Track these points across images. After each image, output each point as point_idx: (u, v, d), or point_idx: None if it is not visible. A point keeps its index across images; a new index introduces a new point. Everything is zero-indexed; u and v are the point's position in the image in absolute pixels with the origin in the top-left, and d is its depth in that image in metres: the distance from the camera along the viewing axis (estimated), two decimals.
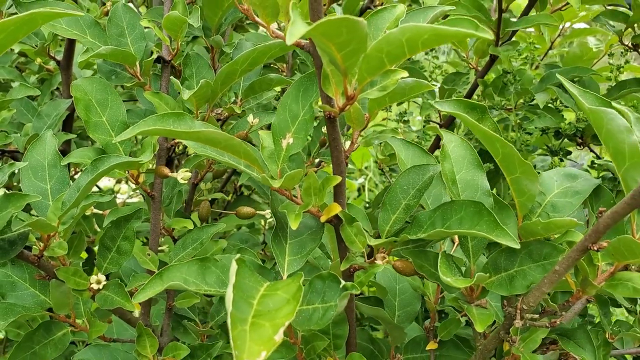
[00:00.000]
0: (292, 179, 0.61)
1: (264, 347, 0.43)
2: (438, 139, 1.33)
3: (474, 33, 0.46)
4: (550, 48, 1.65)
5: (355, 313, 1.11)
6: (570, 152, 1.16)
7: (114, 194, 1.47)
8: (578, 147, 1.19)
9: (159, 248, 0.93)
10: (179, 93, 0.78)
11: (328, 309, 0.60)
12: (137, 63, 0.82)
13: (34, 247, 0.70)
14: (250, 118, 0.86)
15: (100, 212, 0.95)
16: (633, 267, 0.64)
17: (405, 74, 0.57)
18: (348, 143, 0.71)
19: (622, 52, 1.35)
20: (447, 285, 0.56)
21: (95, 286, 0.69)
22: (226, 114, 0.94)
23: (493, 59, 1.19)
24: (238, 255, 0.51)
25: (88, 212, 0.90)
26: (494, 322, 0.69)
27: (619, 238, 0.59)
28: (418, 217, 0.65)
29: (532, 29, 1.79)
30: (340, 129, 0.66)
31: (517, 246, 0.55)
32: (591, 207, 0.70)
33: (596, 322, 0.92)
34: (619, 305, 1.20)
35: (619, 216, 0.52)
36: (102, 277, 0.70)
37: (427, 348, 0.76)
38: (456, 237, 0.73)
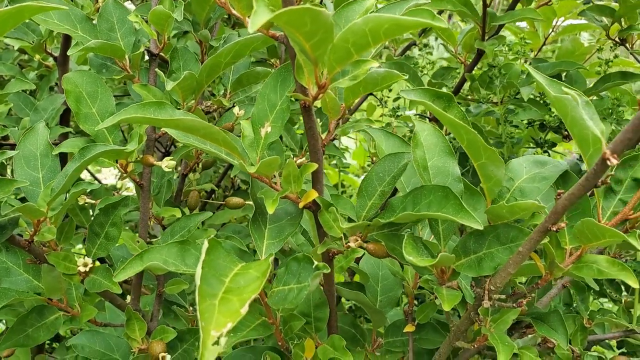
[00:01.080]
0: (268, 165, 0.64)
1: (230, 319, 0.45)
2: None
3: (430, 23, 0.48)
4: (544, 44, 1.67)
5: (351, 305, 1.14)
6: (555, 144, 1.18)
7: (115, 190, 1.50)
8: (564, 140, 1.21)
9: (153, 239, 0.96)
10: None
11: (302, 289, 0.62)
12: (127, 56, 0.85)
13: (25, 232, 0.73)
14: (236, 110, 0.89)
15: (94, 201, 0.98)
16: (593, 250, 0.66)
17: (376, 64, 0.59)
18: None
19: (611, 47, 1.37)
20: (412, 264, 0.58)
21: (82, 269, 0.72)
22: (215, 106, 0.96)
23: (480, 53, 1.21)
24: (212, 237, 0.54)
25: (81, 202, 0.93)
26: (466, 303, 0.72)
27: (582, 221, 0.61)
28: (391, 202, 0.68)
29: (526, 25, 1.81)
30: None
31: (481, 227, 0.58)
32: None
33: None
34: (604, 295, 1.23)
35: (575, 197, 0.54)
36: (89, 261, 0.73)
37: (405, 331, 0.78)
38: None
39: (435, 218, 0.66)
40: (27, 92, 1.36)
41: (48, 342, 1.49)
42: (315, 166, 0.67)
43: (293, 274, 0.65)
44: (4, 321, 1.49)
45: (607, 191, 0.68)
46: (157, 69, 0.83)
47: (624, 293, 1.18)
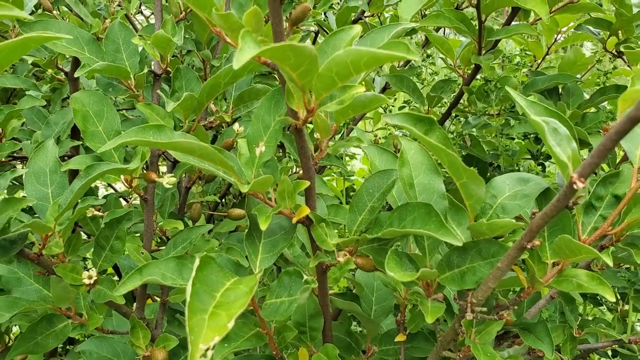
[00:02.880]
0: (262, 184, 0.68)
1: (218, 333, 0.49)
2: None
3: (405, 56, 0.51)
4: (547, 53, 1.69)
5: (348, 315, 1.17)
6: (550, 157, 1.21)
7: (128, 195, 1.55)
8: None
9: (161, 247, 1.00)
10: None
11: (292, 302, 0.66)
12: (132, 76, 0.89)
13: (35, 246, 0.77)
14: (235, 126, 0.93)
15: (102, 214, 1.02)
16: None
17: (362, 89, 0.63)
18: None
19: (610, 58, 1.39)
20: (393, 279, 0.62)
21: (86, 281, 0.76)
22: (218, 121, 1.00)
23: (478, 67, 1.24)
24: (204, 254, 0.58)
25: (89, 214, 0.97)
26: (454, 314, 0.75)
27: (560, 237, 0.64)
28: (379, 217, 0.71)
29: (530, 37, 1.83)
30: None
31: (459, 244, 0.61)
32: (539, 208, 0.75)
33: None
34: (600, 304, 1.25)
35: (548, 217, 0.57)
36: (93, 274, 0.77)
37: (396, 340, 0.81)
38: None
39: (419, 234, 0.69)
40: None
41: (61, 345, 1.54)
42: (307, 183, 0.71)
43: (285, 287, 0.69)
44: (17, 325, 1.54)
45: (588, 207, 0.71)
46: (159, 90, 0.87)
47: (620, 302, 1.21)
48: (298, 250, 0.89)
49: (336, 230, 0.76)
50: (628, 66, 1.38)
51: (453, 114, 1.35)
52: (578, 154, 0.58)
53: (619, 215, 0.69)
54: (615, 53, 1.35)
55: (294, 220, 0.72)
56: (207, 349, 0.48)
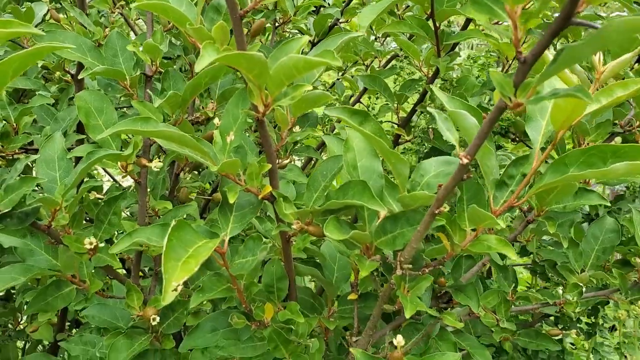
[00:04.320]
0: (230, 165, 0.83)
1: (187, 274, 0.64)
2: (395, 140, 1.53)
3: (330, 62, 0.67)
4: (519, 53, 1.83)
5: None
6: (501, 147, 1.36)
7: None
8: (513, 143, 1.39)
9: None
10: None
11: (255, 260, 0.81)
12: (127, 78, 1.04)
13: (45, 219, 0.93)
14: (215, 120, 1.08)
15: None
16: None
17: (309, 87, 0.78)
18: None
19: None
20: (329, 238, 0.77)
21: (88, 246, 0.91)
22: (203, 116, 1.16)
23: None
24: (181, 219, 0.73)
25: (92, 197, 1.13)
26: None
27: (471, 207, 0.79)
28: (329, 193, 0.86)
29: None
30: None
31: (384, 210, 0.76)
32: (460, 188, 0.90)
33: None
34: (548, 279, 1.40)
35: (448, 189, 0.72)
36: (94, 240, 0.92)
37: (349, 298, 0.96)
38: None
39: (356, 205, 0.84)
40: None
41: (68, 325, 1.70)
42: (269, 166, 0.86)
43: (250, 249, 0.84)
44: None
45: (501, 184, 0.86)
46: (149, 90, 1.02)
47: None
48: (269, 225, 1.04)
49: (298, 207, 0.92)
50: None
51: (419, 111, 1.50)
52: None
53: (524, 190, 0.84)
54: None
55: (260, 196, 0.88)
56: (178, 285, 0.63)
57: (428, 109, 0.73)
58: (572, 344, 1.27)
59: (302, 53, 0.82)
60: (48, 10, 1.43)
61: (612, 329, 1.99)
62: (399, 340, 0.80)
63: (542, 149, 0.80)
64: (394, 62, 2.00)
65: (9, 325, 1.72)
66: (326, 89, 2.17)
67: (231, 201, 0.82)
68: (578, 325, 1.30)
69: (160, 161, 0.96)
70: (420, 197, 0.78)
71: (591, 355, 1.47)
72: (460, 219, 0.84)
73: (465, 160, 0.67)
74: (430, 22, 1.31)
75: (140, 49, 0.98)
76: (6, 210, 0.85)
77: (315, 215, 0.88)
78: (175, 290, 0.63)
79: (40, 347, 1.77)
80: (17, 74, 0.77)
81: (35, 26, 1.50)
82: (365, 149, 0.87)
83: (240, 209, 0.89)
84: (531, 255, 1.36)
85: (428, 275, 0.87)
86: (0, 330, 1.67)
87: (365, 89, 1.84)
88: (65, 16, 1.60)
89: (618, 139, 1.19)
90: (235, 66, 0.69)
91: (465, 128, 0.76)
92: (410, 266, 0.82)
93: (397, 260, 0.83)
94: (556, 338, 1.27)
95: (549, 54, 0.83)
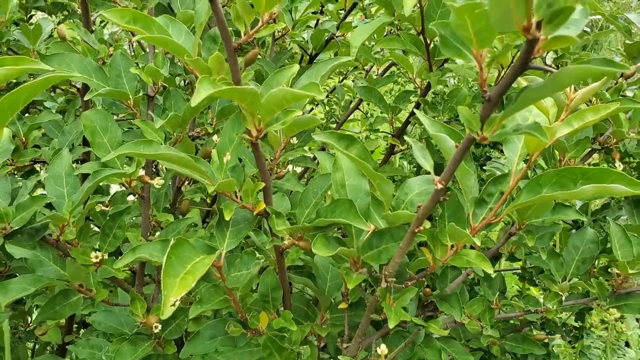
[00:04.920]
0: (226, 185, 0.88)
1: (183, 290, 0.70)
2: (390, 149, 1.59)
3: (316, 95, 0.72)
4: (512, 62, 1.89)
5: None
6: (490, 158, 1.41)
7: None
8: (501, 153, 1.44)
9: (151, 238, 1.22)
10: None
11: (249, 274, 0.87)
12: (131, 98, 1.10)
13: (54, 233, 0.99)
14: (214, 137, 1.14)
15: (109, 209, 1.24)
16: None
17: (299, 113, 0.83)
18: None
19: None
20: (317, 254, 0.83)
21: (94, 260, 0.97)
22: (203, 132, 1.22)
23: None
24: (179, 237, 0.79)
25: (98, 209, 1.19)
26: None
27: (449, 225, 0.85)
28: (319, 210, 0.92)
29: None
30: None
31: (366, 228, 0.82)
32: (441, 206, 0.95)
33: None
34: (536, 285, 1.45)
35: (427, 209, 0.78)
36: (99, 254, 0.98)
37: (339, 307, 1.02)
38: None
39: (343, 223, 0.90)
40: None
41: (75, 326, 1.77)
42: (263, 185, 0.92)
43: (245, 263, 0.90)
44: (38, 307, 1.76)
45: (480, 202, 0.91)
46: (150, 111, 1.08)
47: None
48: (265, 238, 1.10)
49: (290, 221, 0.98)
50: None
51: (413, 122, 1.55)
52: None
53: (501, 207, 0.89)
54: (554, 66, 1.55)
55: (255, 212, 0.94)
56: (176, 301, 0.69)
57: (406, 138, 0.78)
58: (558, 345, 1.32)
59: (296, 71, 0.88)
60: (54, 26, 1.49)
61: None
62: (382, 349, 0.86)
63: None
64: (393, 68, 2.06)
65: (19, 327, 1.79)
66: (327, 93, 2.23)
67: (227, 218, 0.88)
68: (564, 329, 1.35)
69: (161, 178, 1.02)
70: (402, 216, 0.84)
71: (578, 357, 1.53)
72: (441, 235, 0.90)
73: (440, 186, 0.72)
74: (422, 38, 1.37)
75: (143, 72, 1.04)
76: (17, 227, 0.91)
77: (305, 231, 0.93)
78: (174, 305, 0.69)
79: (48, 349, 1.84)
80: (27, 102, 0.82)
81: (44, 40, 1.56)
82: (353, 168, 0.93)
83: (236, 224, 0.95)
84: (520, 262, 1.41)
85: (412, 287, 0.92)
86: (11, 332, 1.74)
87: (361, 101, 1.90)
88: (72, 21, 1.67)
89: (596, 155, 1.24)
90: (229, 98, 0.74)
91: (445, 150, 0.81)
92: (394, 280, 0.87)
93: (382, 274, 0.88)
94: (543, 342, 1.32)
95: (523, 82, 0.89)
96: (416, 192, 0.91)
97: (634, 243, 1.09)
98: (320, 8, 1.69)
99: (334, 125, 2.25)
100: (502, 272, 1.53)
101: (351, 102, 2.06)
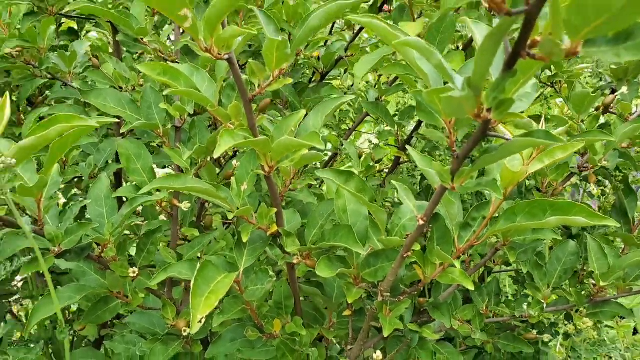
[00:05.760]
0: (243, 212, 1.03)
1: (208, 309, 0.85)
2: (396, 160, 1.72)
3: (317, 145, 0.86)
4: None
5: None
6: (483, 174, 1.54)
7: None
8: None
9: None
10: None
11: (263, 289, 1.02)
12: (161, 127, 1.25)
13: (97, 250, 1.14)
14: (234, 162, 1.28)
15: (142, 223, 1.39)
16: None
17: (305, 151, 0.97)
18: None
19: (542, 87, 1.71)
20: (320, 276, 0.97)
21: (131, 275, 1.13)
22: (225, 154, 1.36)
23: None
24: (205, 259, 0.94)
25: (132, 224, 1.34)
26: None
27: (434, 248, 0.98)
28: (324, 232, 1.06)
29: None
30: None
31: (363, 252, 0.96)
32: (431, 230, 1.08)
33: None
34: (526, 296, 1.58)
35: (414, 238, 0.91)
36: (136, 269, 1.13)
37: (343, 314, 1.17)
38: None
39: (343, 246, 1.04)
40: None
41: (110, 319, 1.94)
42: (275, 210, 1.06)
43: (260, 279, 1.05)
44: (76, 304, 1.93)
45: (465, 225, 1.05)
46: (178, 144, 1.23)
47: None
48: (278, 251, 1.25)
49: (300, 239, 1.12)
50: (560, 96, 1.69)
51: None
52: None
53: (483, 232, 1.02)
54: (548, 84, 1.67)
55: (269, 233, 1.08)
56: (202, 318, 0.84)
57: (392, 181, 0.92)
58: (548, 342, 1.45)
59: (309, 83, 1.02)
60: (87, 49, 1.64)
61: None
62: (377, 355, 1.00)
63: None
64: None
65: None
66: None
67: (244, 240, 1.03)
68: (554, 329, 1.47)
69: (188, 202, 1.17)
70: (394, 241, 0.98)
71: (570, 353, 1.66)
72: (431, 255, 1.03)
73: (422, 222, 0.86)
74: None
75: (171, 107, 1.19)
76: (66, 248, 1.07)
77: (312, 251, 1.08)
78: (200, 322, 0.84)
79: (85, 341, 2.01)
80: (73, 144, 0.97)
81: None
82: (353, 196, 1.07)
83: (252, 243, 1.09)
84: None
85: (406, 299, 1.06)
86: (52, 327, 1.91)
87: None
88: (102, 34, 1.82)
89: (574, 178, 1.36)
90: (246, 146, 0.88)
91: (432, 183, 0.95)
92: (389, 294, 1.01)
93: (378, 289, 1.03)
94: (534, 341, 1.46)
95: (504, 130, 1.01)
96: (408, 217, 1.05)
97: (609, 256, 1.21)
98: (331, 28, 1.82)
99: (344, 127, 2.37)
100: (497, 275, 1.66)
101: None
